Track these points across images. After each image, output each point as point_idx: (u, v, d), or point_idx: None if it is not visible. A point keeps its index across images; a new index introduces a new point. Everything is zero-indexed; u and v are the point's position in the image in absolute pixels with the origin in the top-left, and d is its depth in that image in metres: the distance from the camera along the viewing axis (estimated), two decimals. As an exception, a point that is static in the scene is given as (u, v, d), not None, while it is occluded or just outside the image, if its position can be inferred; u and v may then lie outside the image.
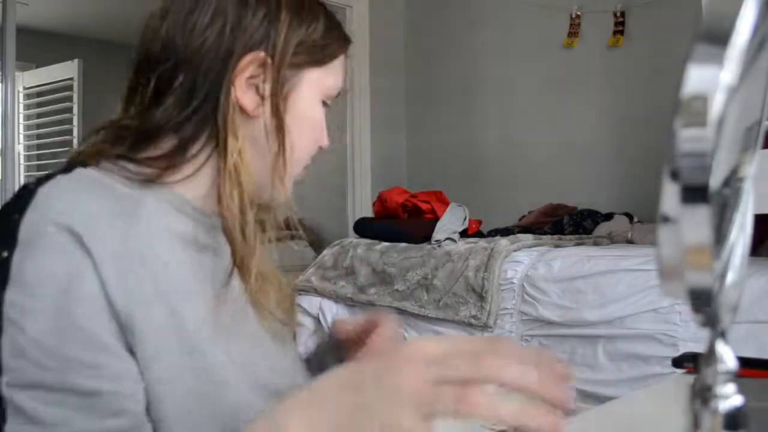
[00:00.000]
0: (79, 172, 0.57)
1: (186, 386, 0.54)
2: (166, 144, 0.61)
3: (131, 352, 0.51)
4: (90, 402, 0.48)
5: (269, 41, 0.62)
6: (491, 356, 0.40)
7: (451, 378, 0.40)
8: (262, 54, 0.61)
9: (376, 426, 0.41)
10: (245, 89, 0.61)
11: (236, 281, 0.65)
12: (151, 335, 0.52)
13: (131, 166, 0.59)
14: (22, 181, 4.20)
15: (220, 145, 0.61)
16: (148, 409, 0.52)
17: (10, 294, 0.49)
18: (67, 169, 0.58)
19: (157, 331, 0.52)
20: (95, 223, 0.51)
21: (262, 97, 0.62)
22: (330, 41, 0.67)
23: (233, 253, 0.62)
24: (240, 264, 0.65)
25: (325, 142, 0.71)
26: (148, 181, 0.59)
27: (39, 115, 4.39)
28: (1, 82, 3.15)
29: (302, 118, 0.66)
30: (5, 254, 0.50)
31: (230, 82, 0.60)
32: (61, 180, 0.55)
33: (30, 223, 0.51)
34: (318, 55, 0.66)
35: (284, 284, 0.73)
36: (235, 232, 0.61)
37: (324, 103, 0.69)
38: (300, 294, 2.83)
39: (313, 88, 0.66)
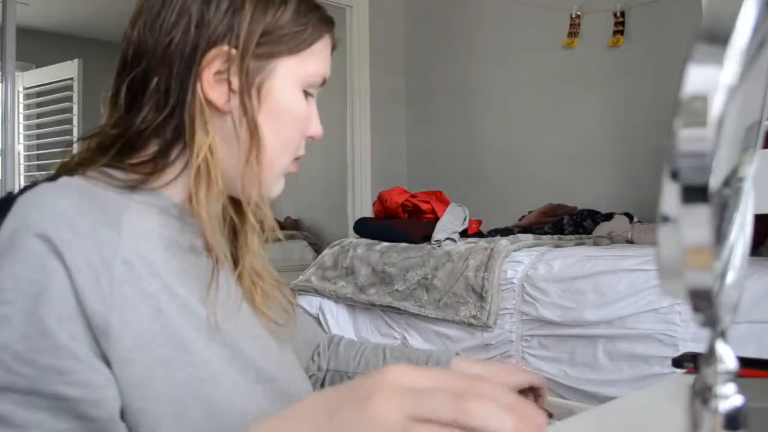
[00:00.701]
0: (63, 181, 0.57)
1: (174, 381, 0.54)
2: (150, 149, 0.61)
3: (105, 357, 0.51)
4: (58, 405, 0.48)
5: (233, 33, 0.60)
6: (473, 400, 0.39)
7: (428, 417, 0.39)
8: (225, 47, 0.60)
9: None
10: (213, 84, 0.61)
11: (231, 280, 0.66)
12: (131, 337, 0.52)
13: (117, 173, 0.60)
14: (23, 181, 4.20)
15: (187, 142, 0.61)
16: (132, 410, 0.52)
17: None
18: (53, 178, 0.58)
19: (138, 332, 0.52)
20: (72, 231, 0.51)
21: (233, 92, 0.61)
22: (304, 27, 0.64)
23: (209, 251, 0.61)
24: (235, 263, 0.66)
25: (314, 131, 0.69)
26: (134, 187, 0.59)
27: (39, 115, 4.40)
28: (1, 82, 3.15)
29: (280, 109, 0.64)
30: None
31: (197, 78, 0.60)
32: (42, 188, 0.55)
33: (6, 231, 0.51)
34: (290, 43, 0.64)
35: (281, 284, 0.72)
36: (207, 231, 0.60)
37: (307, 92, 0.67)
38: (300, 294, 2.83)
39: (289, 77, 0.64)
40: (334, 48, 0.71)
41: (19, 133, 4.13)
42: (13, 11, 3.13)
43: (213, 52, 0.60)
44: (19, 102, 4.26)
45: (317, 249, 4.21)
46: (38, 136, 4.39)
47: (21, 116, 4.30)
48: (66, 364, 0.49)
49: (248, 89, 0.62)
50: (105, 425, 0.50)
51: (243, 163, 0.62)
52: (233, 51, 0.60)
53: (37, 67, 4.50)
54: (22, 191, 0.55)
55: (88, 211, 0.53)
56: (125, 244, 0.54)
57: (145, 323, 0.53)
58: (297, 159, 0.69)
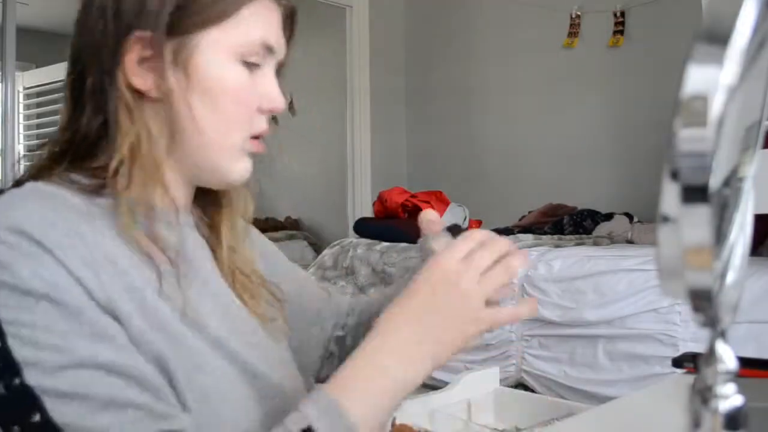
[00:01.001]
0: (31, 186, 0.57)
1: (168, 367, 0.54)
2: (107, 151, 0.60)
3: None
4: (116, 370, 0.50)
5: (144, 16, 0.58)
6: (492, 241, 0.62)
7: (485, 267, 0.60)
8: (140, 32, 0.58)
9: (462, 330, 0.59)
10: (139, 72, 0.59)
11: (217, 276, 0.66)
12: (129, 325, 0.53)
13: (80, 178, 0.59)
14: (22, 181, 4.21)
15: (110, 133, 0.59)
16: None
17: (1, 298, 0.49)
18: (18, 184, 0.58)
19: (131, 323, 0.53)
20: (54, 230, 0.51)
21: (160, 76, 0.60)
22: None
23: (156, 242, 0.59)
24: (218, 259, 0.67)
25: (271, 104, 0.64)
26: (99, 189, 0.58)
27: (39, 115, 4.40)
28: (1, 82, 3.15)
29: (210, 84, 0.60)
30: None
31: (117, 66, 0.59)
32: (10, 193, 0.55)
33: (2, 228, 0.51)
34: (208, 13, 0.60)
35: (264, 281, 0.71)
36: (130, 224, 0.57)
37: (251, 63, 0.62)
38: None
39: (217, 49, 0.60)
40: (290, 14, 0.67)
41: (19, 133, 4.13)
42: (13, 11, 3.13)
43: (131, 39, 0.58)
44: (19, 102, 4.26)
45: (317, 249, 4.21)
46: (38, 136, 4.39)
47: (21, 116, 4.30)
48: (108, 330, 0.51)
49: (171, 69, 0.59)
50: (152, 385, 0.52)
51: (186, 147, 0.61)
52: (148, 33, 0.58)
53: (37, 67, 4.50)
54: None
55: (64, 215, 0.53)
56: (103, 245, 0.54)
57: (135, 313, 0.53)
58: (258, 137, 0.65)
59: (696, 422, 0.31)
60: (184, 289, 0.58)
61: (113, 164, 0.58)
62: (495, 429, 1.72)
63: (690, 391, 0.31)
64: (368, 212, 3.58)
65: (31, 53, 4.28)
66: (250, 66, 0.63)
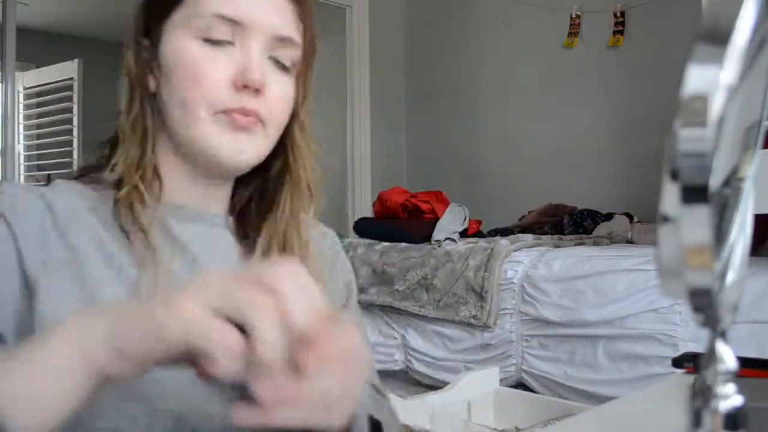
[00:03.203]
0: (54, 183, 0.63)
1: None
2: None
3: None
4: None
5: (133, 23, 0.66)
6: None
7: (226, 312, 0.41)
8: (128, 38, 0.66)
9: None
10: (142, 73, 0.65)
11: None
12: (55, 298, 0.55)
13: (105, 174, 0.64)
14: (22, 182, 4.20)
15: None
16: None
17: None
18: (47, 182, 0.64)
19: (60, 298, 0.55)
20: (20, 207, 0.57)
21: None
22: None
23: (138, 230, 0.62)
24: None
25: (240, 77, 0.61)
26: (115, 183, 0.63)
27: (39, 115, 4.40)
28: (1, 82, 3.15)
29: (168, 65, 0.63)
30: None
31: (134, 73, 0.65)
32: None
33: None
34: (160, 3, 0.64)
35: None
36: (127, 217, 0.61)
37: (212, 40, 0.62)
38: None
39: (177, 30, 0.63)
40: None
41: (19, 133, 4.13)
42: (13, 11, 3.13)
43: (126, 43, 0.66)
44: (19, 102, 4.26)
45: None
46: (38, 136, 4.39)
47: (21, 116, 4.30)
48: None
49: (147, 63, 0.64)
50: None
51: (172, 135, 0.64)
52: (140, 40, 0.66)
53: (37, 67, 4.50)
54: None
55: (54, 200, 0.60)
56: (77, 232, 0.59)
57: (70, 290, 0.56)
58: (239, 112, 0.62)
59: (696, 422, 0.31)
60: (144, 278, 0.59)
61: (114, 159, 0.63)
62: (495, 429, 1.72)
63: (690, 391, 0.31)
64: (368, 212, 3.58)
65: (31, 53, 4.28)
66: (216, 43, 0.62)
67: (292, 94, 0.67)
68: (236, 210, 0.71)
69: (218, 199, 0.69)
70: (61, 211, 0.59)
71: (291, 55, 0.66)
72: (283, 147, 0.70)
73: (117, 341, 0.42)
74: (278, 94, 0.65)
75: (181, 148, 0.64)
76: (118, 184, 0.62)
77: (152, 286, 0.58)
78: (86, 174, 0.66)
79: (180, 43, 0.62)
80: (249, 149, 0.64)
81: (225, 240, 0.68)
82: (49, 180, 0.64)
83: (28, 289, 0.55)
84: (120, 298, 0.57)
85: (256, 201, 0.71)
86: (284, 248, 0.68)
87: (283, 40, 0.64)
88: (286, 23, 0.65)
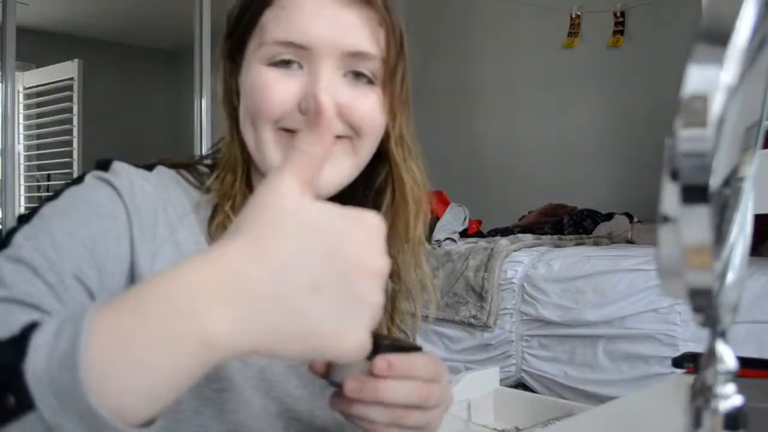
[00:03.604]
0: (157, 170, 0.63)
1: None
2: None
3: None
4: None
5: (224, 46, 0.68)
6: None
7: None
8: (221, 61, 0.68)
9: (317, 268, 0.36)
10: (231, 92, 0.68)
11: None
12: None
13: (202, 170, 0.67)
14: (23, 181, 4.20)
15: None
16: None
17: (54, 204, 0.54)
18: (150, 167, 0.63)
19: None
20: (138, 193, 0.57)
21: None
22: (246, 5, 0.64)
23: None
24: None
25: (308, 104, 0.60)
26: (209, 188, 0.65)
27: (39, 115, 4.39)
28: (1, 82, 3.15)
29: (248, 89, 0.63)
30: (65, 187, 0.57)
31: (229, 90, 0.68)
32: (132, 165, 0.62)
33: (93, 174, 0.58)
34: (241, 30, 0.64)
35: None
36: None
37: (278, 63, 0.61)
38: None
39: (250, 59, 0.64)
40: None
41: (19, 133, 4.12)
42: (13, 11, 3.12)
43: (219, 66, 0.69)
44: (19, 102, 4.26)
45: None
46: (38, 136, 4.38)
47: (21, 116, 4.29)
48: (84, 269, 0.52)
49: (234, 88, 0.66)
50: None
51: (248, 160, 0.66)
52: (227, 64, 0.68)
53: (37, 67, 4.49)
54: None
55: (161, 188, 0.60)
56: (183, 228, 0.59)
57: None
58: (289, 131, 0.61)
59: (696, 422, 0.31)
60: None
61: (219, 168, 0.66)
62: (495, 429, 1.72)
63: (690, 391, 0.31)
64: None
65: (31, 53, 4.27)
66: (284, 64, 0.61)
67: (380, 106, 0.64)
68: None
69: None
70: (170, 204, 0.60)
71: (371, 67, 0.63)
72: (383, 163, 0.68)
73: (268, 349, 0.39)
74: (361, 109, 0.62)
75: (260, 173, 0.66)
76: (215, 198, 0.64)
77: None
78: (184, 166, 0.66)
79: (251, 71, 0.63)
80: (328, 173, 0.62)
81: None
82: (152, 167, 0.64)
83: (132, 281, 0.55)
84: None
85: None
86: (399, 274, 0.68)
87: (357, 55, 0.62)
88: (358, 37, 0.62)
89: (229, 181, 0.64)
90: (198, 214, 0.62)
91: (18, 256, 0.48)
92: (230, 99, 0.66)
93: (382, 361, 0.46)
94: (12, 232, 0.51)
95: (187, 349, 0.33)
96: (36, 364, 0.32)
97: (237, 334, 0.34)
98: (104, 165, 0.59)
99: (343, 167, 0.63)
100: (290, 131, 0.61)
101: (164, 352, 0.33)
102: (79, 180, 0.57)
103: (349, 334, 0.36)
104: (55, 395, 0.32)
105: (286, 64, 0.61)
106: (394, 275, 0.67)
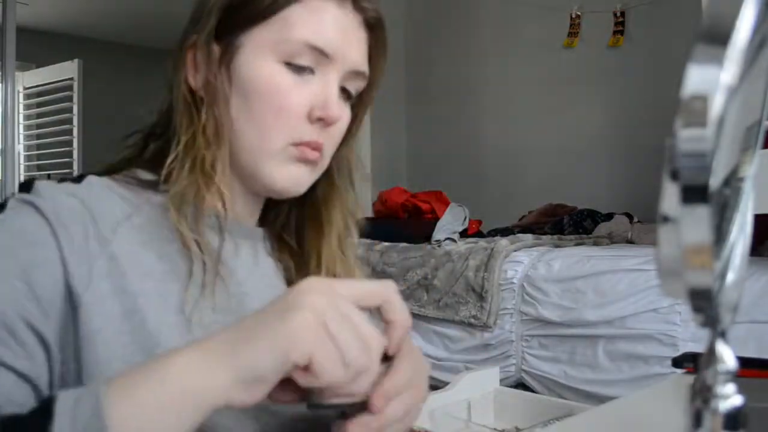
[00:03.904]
0: (87, 180, 0.58)
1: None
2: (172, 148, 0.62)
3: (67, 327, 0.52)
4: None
5: (199, 19, 0.61)
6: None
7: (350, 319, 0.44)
8: (194, 36, 0.61)
9: (277, 323, 0.42)
10: (193, 72, 0.62)
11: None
12: (98, 314, 0.52)
13: (144, 173, 0.62)
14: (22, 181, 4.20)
15: (171, 130, 0.61)
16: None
17: None
18: (78, 179, 0.59)
19: (106, 314, 0.53)
20: (63, 212, 0.53)
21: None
22: None
23: (184, 246, 0.58)
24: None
25: (321, 112, 0.61)
26: (156, 185, 0.60)
27: (39, 115, 4.39)
28: (1, 82, 3.15)
29: (246, 84, 0.60)
30: None
31: (180, 69, 0.61)
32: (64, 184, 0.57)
33: (17, 198, 0.54)
34: (252, 10, 0.59)
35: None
36: (177, 222, 0.57)
37: (297, 65, 0.60)
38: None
39: (259, 48, 0.60)
40: (372, 21, 0.65)
41: (19, 133, 4.12)
42: (13, 11, 3.12)
43: (188, 43, 0.61)
44: (19, 102, 4.26)
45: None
46: (38, 136, 4.38)
47: (21, 116, 4.29)
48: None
49: (218, 70, 0.60)
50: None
51: (231, 151, 0.61)
52: (202, 36, 0.60)
53: (37, 67, 4.49)
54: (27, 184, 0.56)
55: (92, 203, 0.55)
56: (120, 236, 0.55)
57: (116, 320, 0.53)
58: (307, 145, 0.61)
59: (696, 422, 0.31)
60: (191, 294, 0.57)
61: (168, 160, 0.59)
62: (495, 429, 1.72)
63: (690, 391, 0.31)
64: (368, 212, 3.59)
65: (31, 53, 4.28)
66: (298, 69, 0.60)
67: (347, 124, 0.66)
68: (275, 226, 0.71)
69: (254, 213, 0.69)
70: (101, 216, 0.55)
71: (358, 86, 0.66)
72: (328, 168, 0.69)
73: (242, 369, 0.42)
74: (339, 125, 0.64)
75: (239, 165, 0.62)
76: (158, 185, 0.60)
77: (208, 292, 0.57)
78: (117, 171, 0.62)
79: (263, 64, 0.60)
80: (306, 181, 0.64)
81: (262, 253, 0.68)
82: (81, 178, 0.59)
83: (71, 304, 0.52)
84: (162, 309, 0.55)
85: (307, 219, 0.71)
86: (333, 266, 0.69)
87: (356, 74, 0.64)
88: (363, 57, 0.64)
89: (208, 161, 0.59)
90: (131, 221, 0.57)
91: None
92: (207, 83, 0.60)
93: (378, 399, 0.46)
94: None
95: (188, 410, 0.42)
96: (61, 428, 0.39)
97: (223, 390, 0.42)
98: (26, 186, 0.55)
99: (314, 177, 0.65)
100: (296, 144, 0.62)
101: (168, 416, 0.41)
102: (1, 208, 0.54)
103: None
104: None
105: (300, 70, 0.60)
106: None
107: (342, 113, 0.64)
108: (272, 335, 0.42)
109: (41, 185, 0.55)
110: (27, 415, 0.41)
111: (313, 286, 0.44)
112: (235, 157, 0.62)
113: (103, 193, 0.57)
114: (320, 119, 0.61)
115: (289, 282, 0.69)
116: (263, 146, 0.61)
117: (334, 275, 0.68)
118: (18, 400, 0.48)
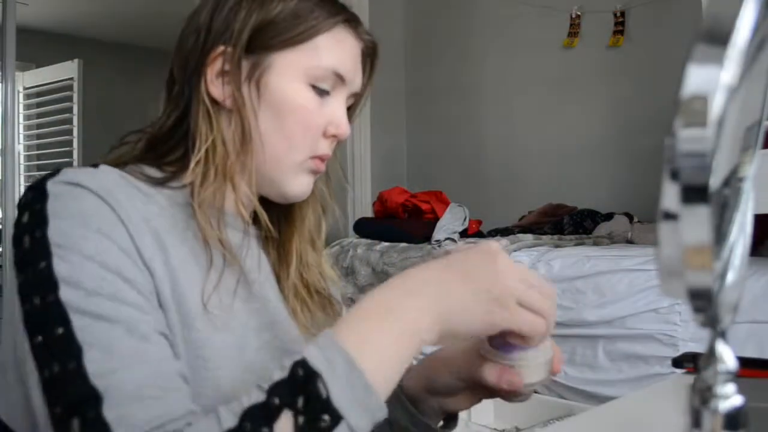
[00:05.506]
0: (102, 168, 0.61)
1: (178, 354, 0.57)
2: (181, 148, 0.65)
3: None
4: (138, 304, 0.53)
5: (229, 32, 0.64)
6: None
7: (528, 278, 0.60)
8: (223, 47, 0.64)
9: (484, 302, 0.55)
10: (218, 83, 0.64)
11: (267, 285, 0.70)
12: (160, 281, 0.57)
13: (151, 170, 0.64)
14: (23, 181, 4.19)
15: (189, 137, 0.64)
16: None
17: (53, 226, 0.53)
18: (94, 166, 0.62)
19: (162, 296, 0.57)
20: (116, 196, 0.56)
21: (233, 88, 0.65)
22: (304, 19, 0.65)
23: (205, 243, 0.62)
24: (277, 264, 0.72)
25: (335, 130, 0.68)
26: (164, 182, 0.63)
27: (39, 115, 4.39)
28: (1, 82, 3.15)
29: (277, 102, 0.65)
30: (38, 206, 0.54)
31: (200, 76, 0.64)
32: (82, 168, 0.59)
33: (57, 182, 0.55)
34: (286, 35, 0.64)
35: (332, 305, 0.76)
36: (201, 221, 0.61)
37: (320, 88, 0.67)
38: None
39: (288, 70, 0.65)
40: (370, 51, 0.73)
41: (19, 133, 4.12)
42: (13, 11, 3.12)
43: (214, 53, 0.64)
44: (19, 102, 4.26)
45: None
46: (38, 136, 4.38)
47: (21, 116, 4.29)
48: (137, 276, 0.55)
49: (245, 83, 0.64)
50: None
51: (251, 159, 0.65)
52: (229, 49, 0.64)
53: (37, 67, 4.50)
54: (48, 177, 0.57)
55: (126, 191, 0.58)
56: (157, 222, 0.58)
57: (168, 293, 0.57)
58: (320, 158, 0.69)
59: (696, 422, 0.31)
60: (227, 289, 0.62)
61: (191, 165, 0.63)
62: (495, 429, 1.72)
63: (690, 391, 0.31)
64: (368, 212, 3.58)
65: (31, 53, 4.28)
66: (320, 92, 0.67)
67: None
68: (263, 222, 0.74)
69: (250, 209, 0.71)
70: (128, 199, 0.58)
71: (350, 103, 0.73)
72: None
73: (450, 332, 0.54)
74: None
75: (258, 172, 0.66)
76: (166, 182, 0.63)
77: (229, 282, 0.62)
78: (122, 166, 0.64)
79: (294, 85, 0.65)
80: (310, 189, 0.71)
81: (254, 247, 0.71)
82: (96, 166, 0.62)
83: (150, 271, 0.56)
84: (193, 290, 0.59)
85: (283, 214, 0.75)
86: (307, 257, 0.75)
87: (356, 94, 0.72)
88: (362, 80, 0.72)
89: (220, 189, 0.64)
90: (148, 208, 0.60)
91: (102, 315, 0.51)
92: (234, 94, 0.64)
93: (558, 364, 0.67)
94: (45, 278, 0.51)
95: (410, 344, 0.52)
96: (335, 389, 0.46)
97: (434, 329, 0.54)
98: (53, 175, 0.57)
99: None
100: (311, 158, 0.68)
101: (398, 350, 0.51)
102: (41, 195, 0.55)
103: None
104: (358, 404, 0.46)
105: (323, 93, 0.68)
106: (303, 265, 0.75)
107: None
108: (488, 317, 0.55)
109: (68, 171, 0.57)
110: (288, 376, 0.47)
111: (507, 272, 0.56)
112: (255, 164, 0.66)
113: (122, 182, 0.60)
114: (333, 136, 0.69)
115: (274, 273, 0.73)
116: (289, 158, 0.66)
117: (308, 265, 0.74)
118: (175, 362, 0.53)
